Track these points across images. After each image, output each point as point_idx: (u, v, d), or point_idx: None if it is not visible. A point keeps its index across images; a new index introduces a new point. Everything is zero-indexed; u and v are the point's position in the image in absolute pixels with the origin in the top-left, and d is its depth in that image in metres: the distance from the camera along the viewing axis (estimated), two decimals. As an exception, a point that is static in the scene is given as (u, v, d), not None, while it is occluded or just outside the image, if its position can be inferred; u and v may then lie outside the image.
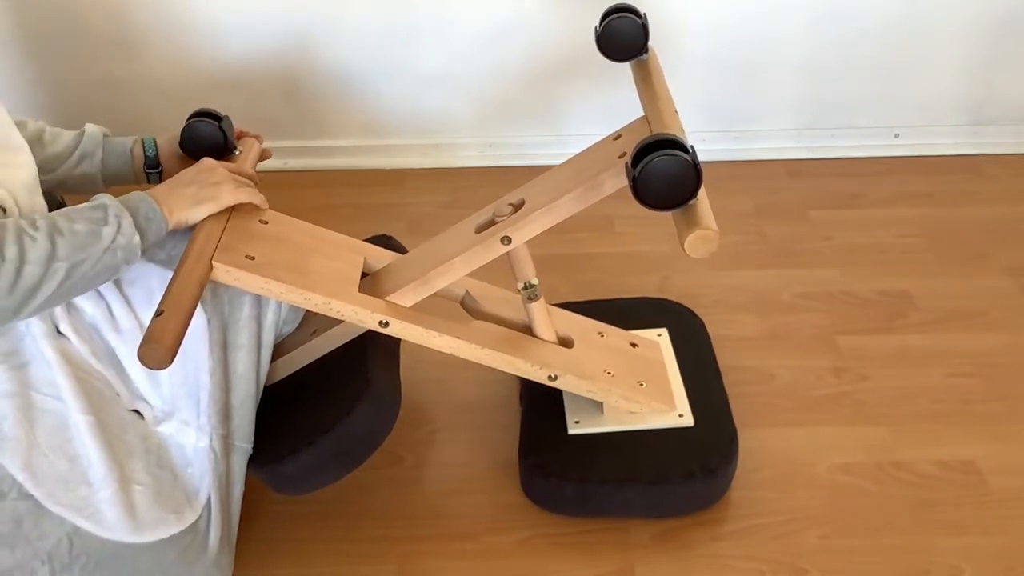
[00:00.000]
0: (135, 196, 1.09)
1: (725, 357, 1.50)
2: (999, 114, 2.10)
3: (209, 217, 1.18)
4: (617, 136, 1.23)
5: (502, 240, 1.20)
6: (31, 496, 1.05)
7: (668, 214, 1.04)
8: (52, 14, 1.97)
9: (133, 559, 1.10)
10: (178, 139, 1.33)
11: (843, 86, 2.06)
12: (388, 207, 2.04)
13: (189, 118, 1.30)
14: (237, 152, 1.32)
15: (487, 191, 1.46)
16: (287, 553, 1.32)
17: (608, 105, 2.06)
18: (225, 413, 1.21)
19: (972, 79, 2.05)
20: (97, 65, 2.03)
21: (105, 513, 1.08)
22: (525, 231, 1.20)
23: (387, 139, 2.15)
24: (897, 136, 2.12)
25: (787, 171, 2.10)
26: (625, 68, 1.33)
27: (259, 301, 1.25)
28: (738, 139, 2.12)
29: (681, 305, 1.59)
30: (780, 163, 2.12)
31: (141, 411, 1.18)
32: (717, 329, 1.57)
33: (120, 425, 1.13)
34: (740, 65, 2.03)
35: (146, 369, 1.16)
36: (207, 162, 1.19)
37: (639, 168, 1.00)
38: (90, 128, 1.35)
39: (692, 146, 1.02)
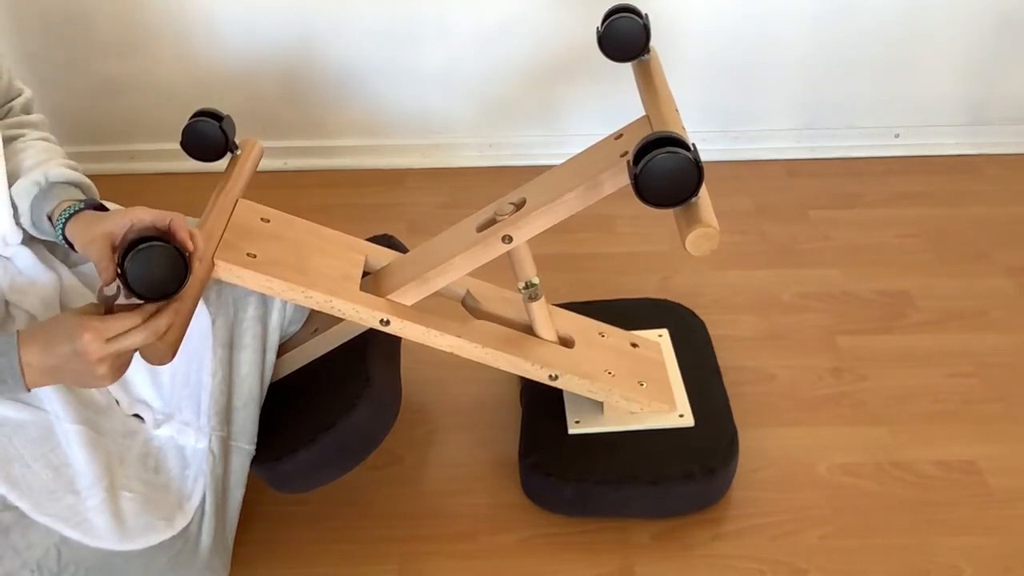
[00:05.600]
0: None
1: (725, 357, 1.50)
2: (999, 114, 2.10)
3: (210, 216, 1.18)
4: (619, 135, 1.23)
5: (503, 239, 1.20)
6: (15, 507, 1.05)
7: (669, 213, 1.05)
8: (54, 14, 1.97)
9: (123, 566, 1.09)
10: (101, 239, 1.03)
11: (843, 86, 2.06)
12: (388, 207, 2.04)
13: (191, 118, 1.30)
14: (238, 152, 1.31)
15: (487, 191, 1.46)
16: (287, 554, 1.32)
17: (607, 105, 2.06)
18: (226, 415, 1.21)
19: (972, 79, 2.05)
20: (97, 65, 2.03)
21: (93, 521, 1.07)
22: (526, 230, 1.20)
23: (387, 139, 2.15)
24: (897, 136, 2.12)
25: (787, 171, 2.10)
26: (625, 68, 1.33)
27: (264, 302, 1.25)
28: (738, 139, 2.12)
29: (682, 306, 1.59)
30: (780, 163, 2.12)
31: (142, 415, 1.17)
32: (717, 329, 1.57)
33: (113, 432, 1.13)
34: (740, 65, 2.03)
35: (147, 370, 1.16)
36: (84, 343, 0.93)
37: (640, 166, 1.00)
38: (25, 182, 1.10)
39: (693, 144, 1.02)
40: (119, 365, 0.98)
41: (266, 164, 1.38)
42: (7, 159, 1.12)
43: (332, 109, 2.11)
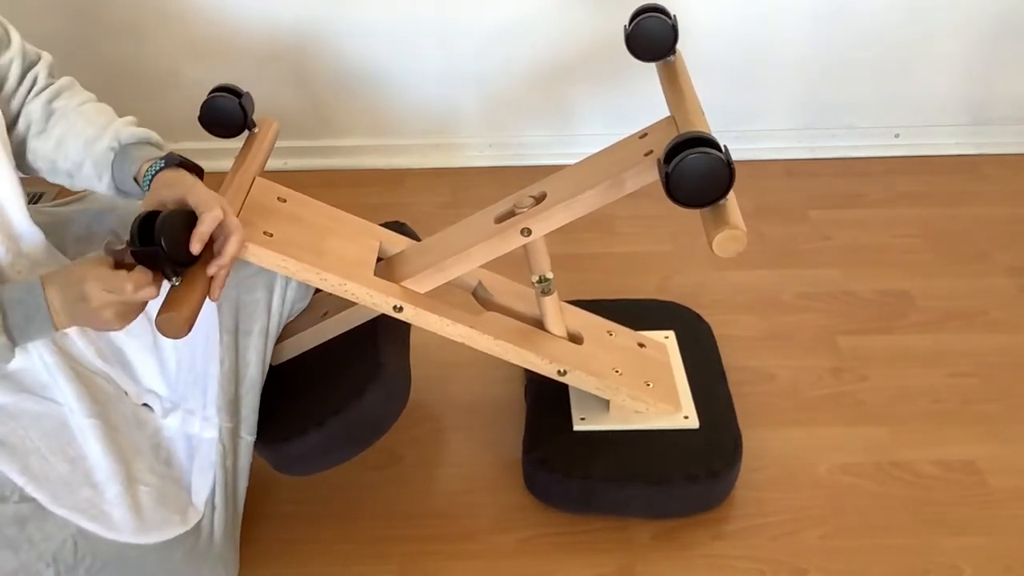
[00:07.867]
0: (20, 288, 0.98)
1: (726, 357, 1.50)
2: (999, 114, 2.10)
3: (227, 193, 1.17)
4: (643, 134, 1.23)
5: (522, 231, 1.20)
6: (33, 499, 1.05)
7: (670, 214, 1.04)
8: (62, 10, 1.97)
9: (139, 560, 1.10)
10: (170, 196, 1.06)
11: (843, 86, 2.06)
12: (388, 207, 2.03)
13: (210, 93, 1.27)
14: (255, 130, 1.30)
15: (487, 191, 1.46)
16: (289, 553, 1.32)
17: (608, 106, 2.06)
18: (234, 405, 1.21)
19: (972, 79, 2.05)
20: (101, 59, 2.03)
21: (111, 514, 1.08)
22: (546, 224, 1.20)
23: (387, 139, 2.15)
24: (897, 136, 2.12)
25: (787, 171, 2.10)
26: (627, 69, 1.33)
27: (268, 284, 1.24)
28: (738, 139, 2.11)
29: (689, 309, 1.59)
30: (780, 163, 2.12)
31: (151, 404, 1.17)
32: (717, 329, 1.57)
33: (126, 424, 1.13)
34: (740, 65, 2.03)
35: (155, 358, 1.17)
36: (88, 289, 0.97)
37: (672, 165, 1.00)
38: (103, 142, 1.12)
39: (725, 145, 1.02)
40: (123, 312, 0.99)
41: (266, 164, 1.37)
42: (63, 131, 1.13)
43: (332, 109, 2.11)
